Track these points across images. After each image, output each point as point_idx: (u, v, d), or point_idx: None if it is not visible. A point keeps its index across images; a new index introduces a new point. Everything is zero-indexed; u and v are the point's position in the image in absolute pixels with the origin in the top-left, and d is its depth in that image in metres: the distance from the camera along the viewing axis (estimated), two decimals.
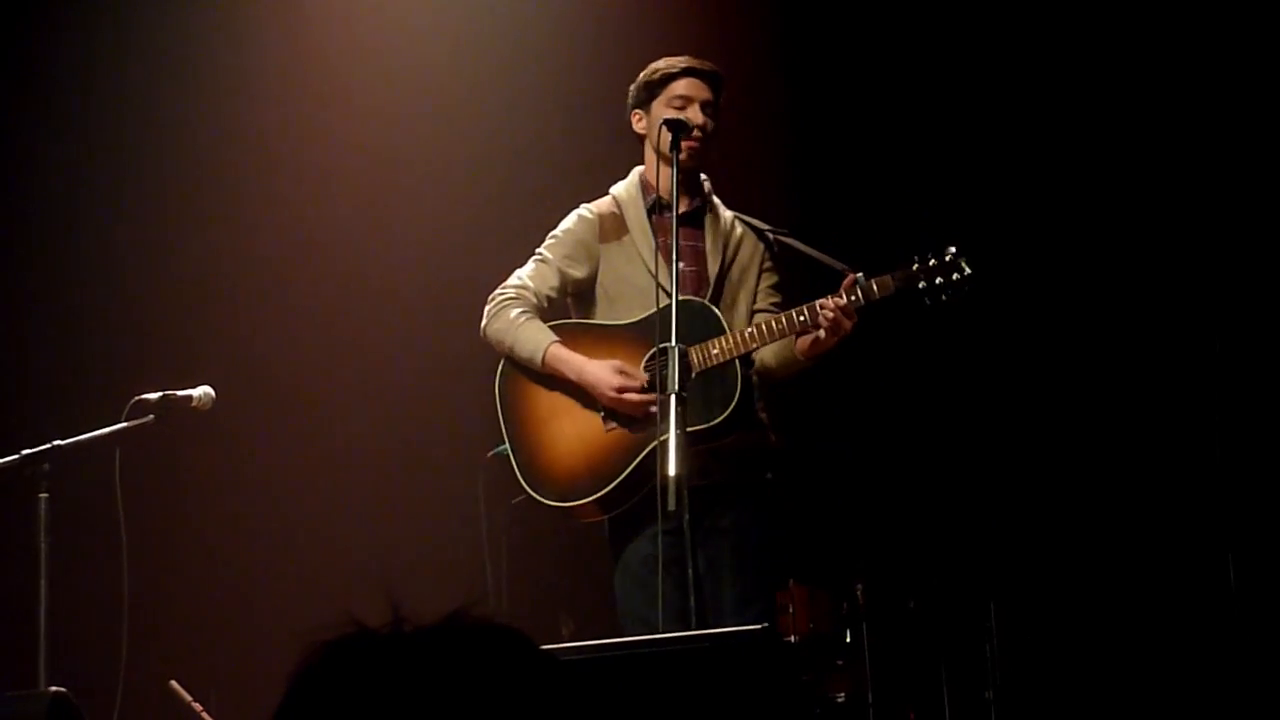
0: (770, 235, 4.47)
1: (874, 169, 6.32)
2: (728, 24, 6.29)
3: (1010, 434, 6.14)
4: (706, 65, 4.40)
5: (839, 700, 5.63)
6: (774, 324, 4.21)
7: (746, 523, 4.34)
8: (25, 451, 4.48)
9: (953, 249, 4.16)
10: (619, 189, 4.50)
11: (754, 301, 4.43)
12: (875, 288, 4.15)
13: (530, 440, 4.40)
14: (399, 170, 6.55)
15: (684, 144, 4.27)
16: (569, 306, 4.51)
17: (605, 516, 4.36)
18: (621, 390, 4.25)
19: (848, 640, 5.70)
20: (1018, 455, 6.12)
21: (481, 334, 4.45)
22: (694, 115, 4.32)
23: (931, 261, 4.15)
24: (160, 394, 4.68)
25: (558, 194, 4.73)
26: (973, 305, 4.24)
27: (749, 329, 4.23)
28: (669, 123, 4.24)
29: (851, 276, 4.17)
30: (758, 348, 4.26)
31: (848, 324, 4.13)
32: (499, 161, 6.46)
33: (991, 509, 6.05)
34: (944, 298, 4.15)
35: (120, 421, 4.60)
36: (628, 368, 4.28)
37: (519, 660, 1.23)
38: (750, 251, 4.45)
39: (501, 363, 4.45)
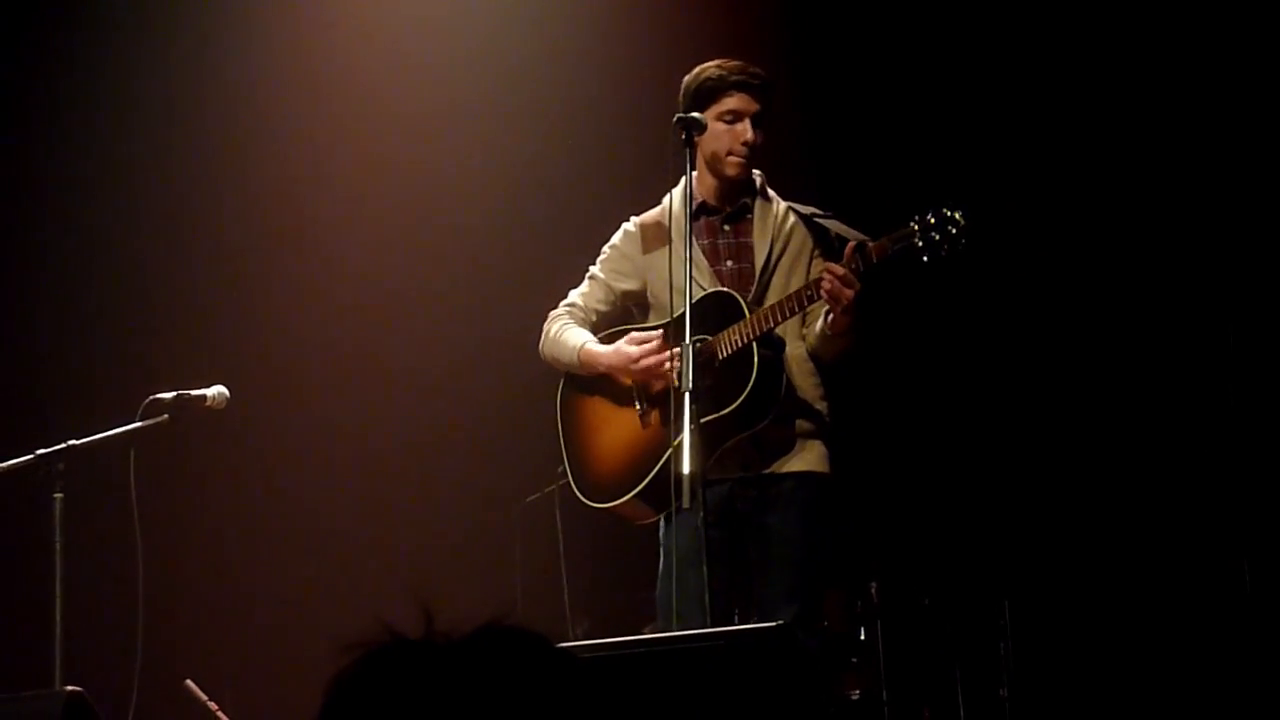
0: (818, 221, 4.46)
1: (886, 153, 6.30)
2: (747, 16, 6.28)
3: (1026, 433, 6.13)
4: (757, 77, 4.36)
5: (854, 698, 5.63)
6: (784, 303, 4.21)
7: (793, 517, 4.29)
8: (40, 451, 4.49)
9: (947, 205, 4.16)
10: (669, 196, 4.52)
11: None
12: (873, 252, 4.15)
13: (581, 449, 4.48)
14: (415, 173, 6.54)
15: (730, 159, 4.32)
16: (634, 318, 4.55)
17: (658, 515, 4.36)
18: (639, 359, 4.28)
19: (862, 638, 5.69)
20: (1033, 454, 6.11)
21: (540, 355, 4.52)
22: (743, 131, 4.32)
23: (929, 218, 4.14)
24: (175, 393, 4.68)
25: (594, 202, 4.73)
26: (983, 308, 4.23)
27: (763, 311, 4.23)
28: (681, 120, 4.25)
29: (852, 244, 4.17)
30: (773, 327, 4.24)
31: (848, 292, 4.11)
32: (523, 165, 6.45)
33: (1006, 508, 6.04)
34: (942, 252, 4.14)
35: (135, 421, 4.61)
36: (640, 335, 4.31)
37: (555, 670, 1.24)
38: (801, 241, 4.44)
39: (561, 381, 4.54)
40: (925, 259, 4.14)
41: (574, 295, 4.53)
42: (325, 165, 6.53)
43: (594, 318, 4.49)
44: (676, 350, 4.17)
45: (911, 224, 4.15)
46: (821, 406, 4.38)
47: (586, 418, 4.49)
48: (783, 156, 5.11)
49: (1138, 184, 6.07)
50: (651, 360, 4.28)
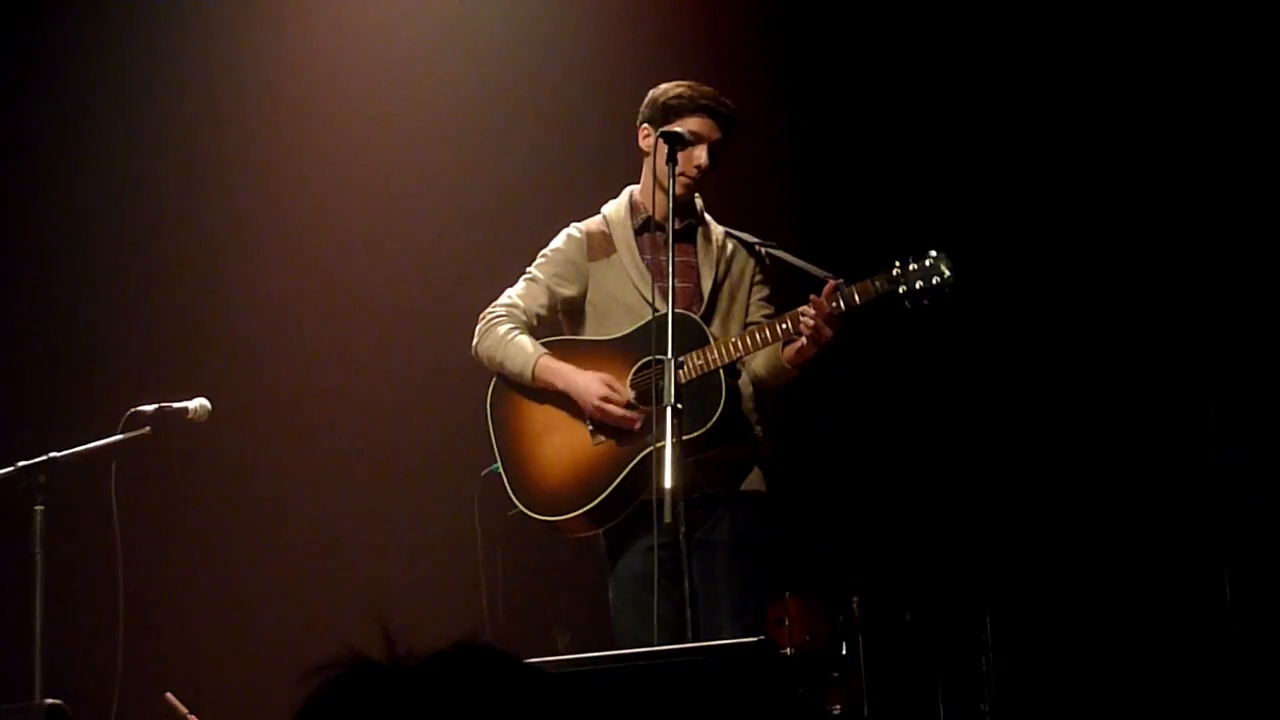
0: (760, 248, 4.49)
1: (867, 175, 6.32)
2: (726, 36, 6.30)
3: (1007, 447, 6.14)
4: (726, 107, 4.37)
5: (835, 713, 5.63)
6: (758, 334, 4.22)
7: (738, 534, 4.34)
8: (21, 463, 4.47)
9: (933, 253, 4.15)
10: (609, 208, 4.53)
11: (746, 314, 4.45)
12: (856, 294, 4.15)
13: (521, 456, 4.43)
14: (397, 187, 6.54)
15: (680, 178, 4.27)
16: (561, 324, 4.54)
17: (597, 530, 4.37)
18: (605, 400, 4.27)
19: (844, 653, 5.69)
20: (1014, 468, 6.12)
21: (472, 352, 4.49)
22: (698, 155, 4.32)
23: (912, 266, 4.14)
24: (156, 406, 4.67)
25: (554, 212, 4.74)
26: (968, 319, 4.26)
27: (734, 339, 4.25)
28: (666, 134, 4.24)
29: (832, 283, 4.17)
30: (742, 357, 4.27)
31: (828, 331, 4.13)
32: (496, 179, 6.46)
33: (987, 522, 6.05)
34: (925, 302, 4.15)
35: (116, 433, 4.60)
36: (615, 383, 4.30)
37: (523, 690, 1.24)
38: (742, 266, 4.47)
39: (492, 381, 4.49)
40: (908, 306, 4.15)
41: (513, 296, 4.48)
42: (309, 179, 6.52)
43: (535, 322, 4.47)
44: (638, 414, 4.23)
45: (895, 270, 4.15)
46: (758, 430, 4.41)
47: (526, 424, 4.43)
48: (763, 179, 5.13)
49: (1113, 198, 6.10)
50: (616, 412, 4.28)
